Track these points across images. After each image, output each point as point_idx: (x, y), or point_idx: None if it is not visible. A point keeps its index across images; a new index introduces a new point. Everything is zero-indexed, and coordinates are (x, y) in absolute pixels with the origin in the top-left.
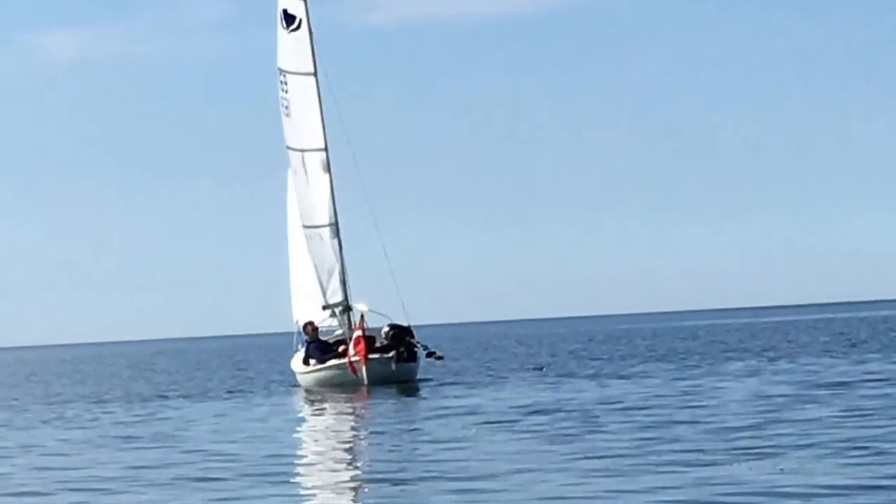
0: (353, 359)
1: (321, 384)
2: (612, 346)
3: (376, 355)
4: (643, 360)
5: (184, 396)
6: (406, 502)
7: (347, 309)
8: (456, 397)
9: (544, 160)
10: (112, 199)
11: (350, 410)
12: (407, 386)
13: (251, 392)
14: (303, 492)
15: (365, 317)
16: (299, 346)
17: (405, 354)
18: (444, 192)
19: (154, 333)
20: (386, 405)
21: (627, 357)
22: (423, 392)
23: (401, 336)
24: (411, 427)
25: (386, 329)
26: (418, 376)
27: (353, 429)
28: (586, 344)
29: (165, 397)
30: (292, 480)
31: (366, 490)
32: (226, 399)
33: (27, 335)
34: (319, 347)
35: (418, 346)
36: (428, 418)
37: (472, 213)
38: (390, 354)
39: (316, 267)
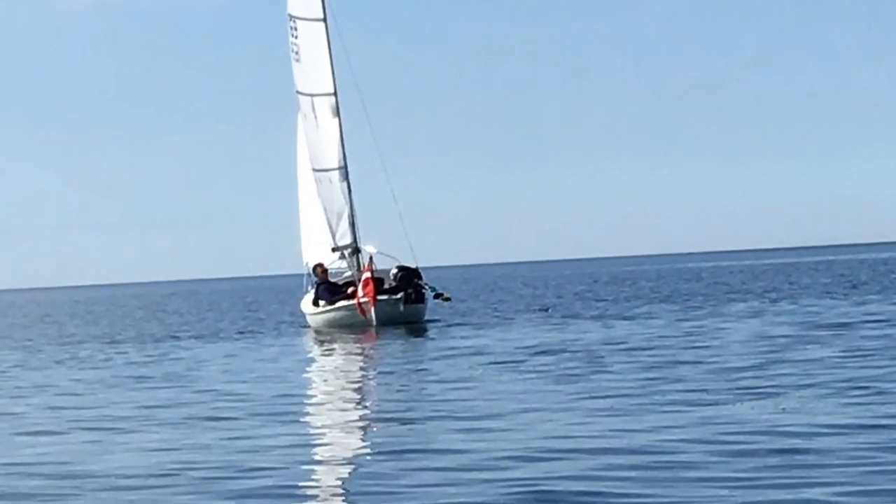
0: (361, 300)
1: (331, 325)
2: (617, 288)
3: (385, 296)
4: (647, 301)
5: (195, 337)
6: (414, 441)
7: (356, 251)
8: (463, 338)
9: (550, 105)
10: (125, 142)
11: (359, 351)
12: (415, 327)
13: (261, 333)
14: (312, 431)
15: (373, 259)
16: (309, 288)
17: (413, 296)
18: (451, 135)
19: (166, 275)
20: (394, 346)
21: (632, 298)
22: (431, 333)
23: (409, 278)
24: (419, 367)
25: (394, 271)
26: (426, 317)
27: (361, 369)
28: (591, 285)
29: (177, 338)
30: (302, 420)
31: (374, 429)
32: (236, 340)
33: (41, 276)
34: (329, 289)
35: (426, 287)
36: (435, 359)
37: (479, 156)
38: (399, 296)
39: (325, 210)
